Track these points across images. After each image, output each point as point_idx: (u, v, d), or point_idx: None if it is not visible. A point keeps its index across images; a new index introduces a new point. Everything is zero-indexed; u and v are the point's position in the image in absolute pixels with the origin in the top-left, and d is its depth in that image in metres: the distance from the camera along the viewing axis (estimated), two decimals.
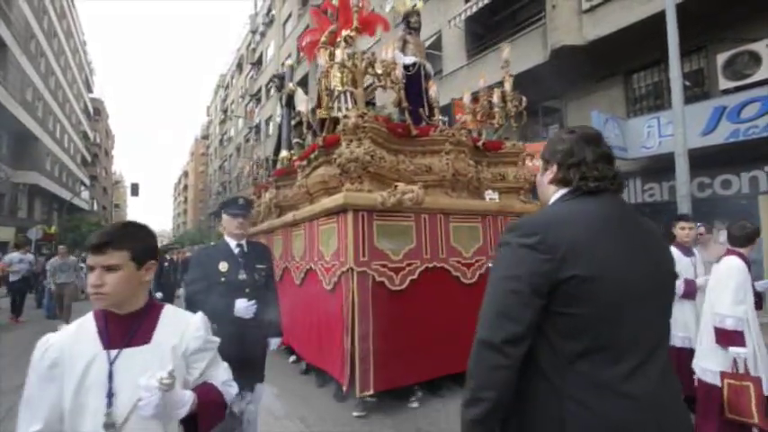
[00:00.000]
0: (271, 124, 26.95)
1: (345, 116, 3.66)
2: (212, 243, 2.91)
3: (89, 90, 41.47)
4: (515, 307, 0.92)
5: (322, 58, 3.92)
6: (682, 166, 5.56)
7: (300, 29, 25.18)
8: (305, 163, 4.67)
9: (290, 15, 28.23)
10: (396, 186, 3.21)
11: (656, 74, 8.76)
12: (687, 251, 3.63)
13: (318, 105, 4.84)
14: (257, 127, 31.81)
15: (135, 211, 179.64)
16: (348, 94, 4.71)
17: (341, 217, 3.55)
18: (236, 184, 34.49)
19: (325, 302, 3.75)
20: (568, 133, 1.12)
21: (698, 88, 8.31)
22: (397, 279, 3.55)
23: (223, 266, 2.47)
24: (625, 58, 8.58)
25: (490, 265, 3.92)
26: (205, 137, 52.53)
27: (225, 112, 42.17)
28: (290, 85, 5.38)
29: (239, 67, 38.47)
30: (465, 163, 4.02)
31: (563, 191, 1.08)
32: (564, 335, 0.93)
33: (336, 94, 4.27)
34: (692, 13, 6.78)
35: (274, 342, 2.71)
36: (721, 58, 7.68)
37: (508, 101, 4.34)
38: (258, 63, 33.79)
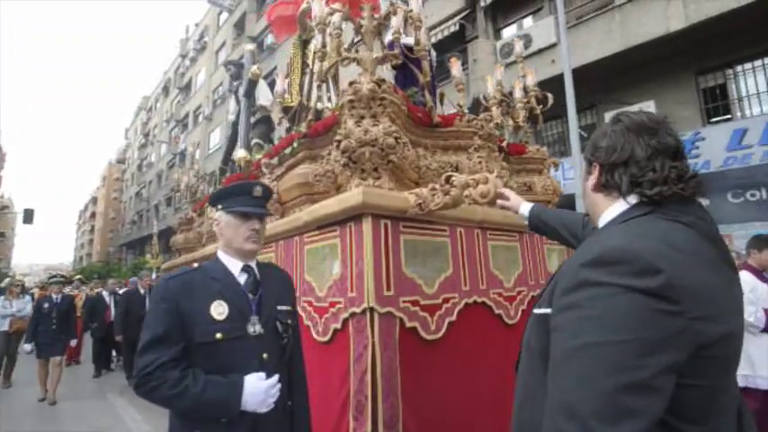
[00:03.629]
0: (198, 151, 24.23)
1: (353, 83, 2.40)
2: (195, 266, 1.50)
3: None
4: (634, 392, 0.59)
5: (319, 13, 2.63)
6: (580, 206, 5.78)
7: (234, 58, 23.57)
8: (274, 161, 3.25)
9: (223, 44, 26.59)
10: (449, 178, 1.98)
11: (560, 125, 10.10)
12: (762, 276, 2.86)
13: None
14: (182, 154, 28.56)
15: (25, 241, 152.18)
16: (331, 80, 3.46)
17: (349, 228, 2.20)
18: (155, 211, 30.35)
19: (315, 365, 2.29)
20: (614, 123, 0.86)
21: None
22: (432, 323, 2.26)
23: (219, 309, 1.33)
24: None
25: (534, 295, 2.81)
26: (121, 161, 46.44)
27: (146, 135, 37.76)
28: (254, 68, 3.99)
29: (165, 90, 35.06)
30: (499, 164, 2.95)
31: (632, 199, 0.81)
32: (687, 417, 0.64)
33: (319, 79, 3.00)
34: (585, 78, 8.31)
35: None
36: (608, 115, 8.89)
37: (531, 97, 3.43)
38: (187, 88, 31.00)
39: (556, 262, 3.18)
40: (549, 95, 3.47)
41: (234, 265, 1.42)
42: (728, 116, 9.15)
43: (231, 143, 4.74)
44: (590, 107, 9.92)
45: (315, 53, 3.35)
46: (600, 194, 0.88)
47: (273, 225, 2.91)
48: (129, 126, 45.58)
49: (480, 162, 2.81)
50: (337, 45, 2.70)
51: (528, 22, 11.37)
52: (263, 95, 4.41)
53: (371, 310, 2.03)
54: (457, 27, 11.33)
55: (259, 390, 1.26)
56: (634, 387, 0.61)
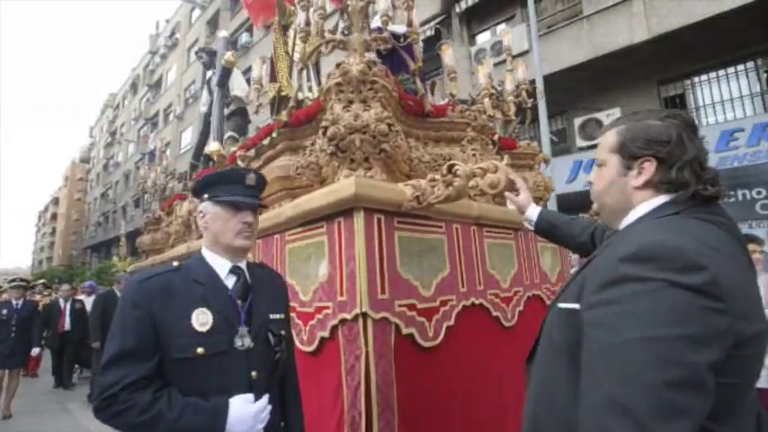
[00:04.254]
0: (168, 151, 23.04)
1: (340, 64, 2.12)
2: (175, 264, 1.20)
3: None
4: (685, 389, 0.59)
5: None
6: (552, 208, 6.11)
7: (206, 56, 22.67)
8: (251, 154, 2.91)
9: (196, 41, 25.52)
10: (452, 167, 1.73)
11: (531, 129, 10.10)
12: None
13: (273, 79, 3.17)
14: (152, 153, 27.09)
15: None
16: (311, 67, 3.16)
17: (337, 224, 1.92)
18: (122, 213, 28.72)
19: (300, 378, 1.98)
20: (667, 118, 0.83)
21: (563, 143, 10.17)
22: (430, 328, 2.00)
23: (201, 319, 1.10)
24: None
25: (533, 294, 2.61)
26: (85, 160, 43.71)
27: (113, 134, 35.73)
28: (228, 54, 3.61)
29: (134, 87, 33.31)
30: (493, 158, 2.73)
31: (662, 199, 0.81)
32: (713, 415, 0.62)
33: (301, 62, 2.70)
34: (556, 85, 8.24)
35: None
36: (577, 121, 9.53)
37: (521, 90, 3.25)
38: (156, 86, 29.55)
39: (549, 260, 3.02)
40: (540, 90, 3.31)
41: (221, 266, 1.18)
42: None
43: (203, 137, 4.32)
44: (560, 113, 10.09)
45: (296, 34, 3.04)
46: (641, 191, 0.84)
47: None
48: (94, 124, 43.02)
49: (474, 155, 2.59)
50: (321, 27, 2.41)
51: (502, 28, 11.44)
52: (238, 86, 4.04)
53: (365, 315, 1.76)
54: (433, 32, 11.24)
55: (247, 415, 1.04)
56: (684, 384, 0.60)
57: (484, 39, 11.53)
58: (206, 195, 1.20)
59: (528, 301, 2.68)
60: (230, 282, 1.18)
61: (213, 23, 23.74)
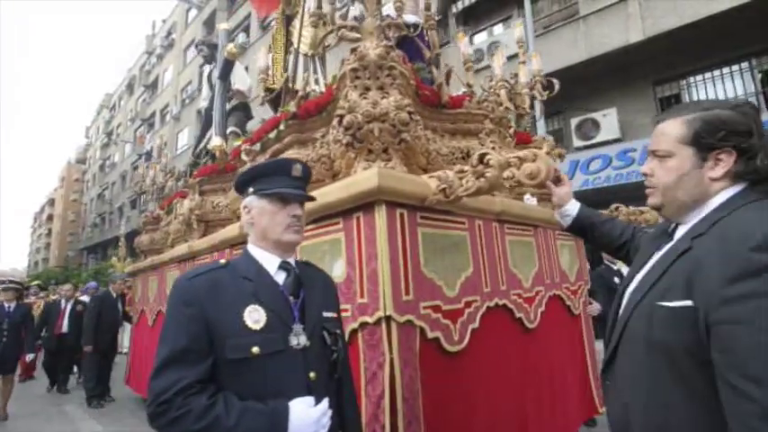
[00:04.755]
0: (165, 150, 22.62)
1: (355, 50, 1.93)
2: (222, 262, 1.08)
3: None
4: None
5: None
6: None
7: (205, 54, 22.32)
8: (256, 148, 2.71)
9: (192, 41, 25.04)
10: (484, 156, 1.55)
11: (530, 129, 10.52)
12: None
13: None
14: (148, 154, 26.63)
15: None
16: (317, 59, 2.98)
17: (356, 220, 1.74)
18: (119, 214, 28.23)
19: None
20: (738, 107, 0.82)
21: (560, 143, 11.25)
22: (455, 331, 1.83)
23: (254, 316, 1.00)
24: None
25: (554, 294, 2.44)
26: (81, 161, 42.96)
27: (109, 135, 35.12)
28: (230, 46, 3.39)
29: (130, 88, 32.75)
30: (511, 151, 2.56)
31: (737, 187, 0.81)
32: None
33: (312, 48, 2.52)
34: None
35: None
36: (573, 122, 9.37)
37: (536, 82, 3.09)
38: (153, 86, 29.06)
39: (568, 259, 2.86)
40: (556, 81, 3.15)
41: (269, 262, 1.09)
42: None
43: (204, 132, 4.09)
44: (557, 113, 10.03)
45: (302, 24, 2.85)
46: (718, 183, 0.83)
47: None
48: (90, 124, 42.31)
49: (494, 148, 2.41)
50: (332, 12, 2.23)
51: (498, 29, 11.31)
52: (240, 80, 3.83)
53: (388, 319, 1.57)
54: None
55: (309, 419, 0.95)
56: None
57: (481, 39, 11.39)
58: (250, 189, 1.10)
59: (548, 302, 2.52)
60: (280, 278, 1.08)
61: (210, 23, 23.36)
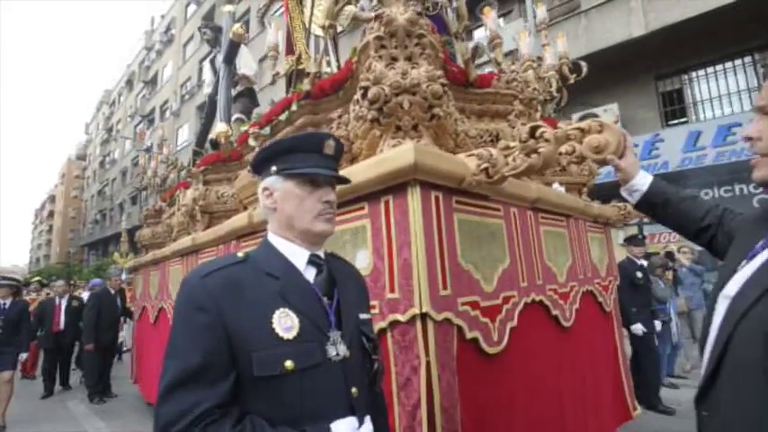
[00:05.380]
0: (164, 145, 22.24)
1: (379, 16, 1.68)
2: (240, 255, 0.84)
3: None
4: None
5: None
6: None
7: (203, 52, 21.91)
8: (266, 132, 2.46)
9: (191, 37, 24.69)
10: (536, 129, 1.31)
11: None
12: None
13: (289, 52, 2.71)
14: (148, 150, 26.21)
15: None
16: (329, 40, 2.73)
17: (385, 204, 1.50)
18: (120, 210, 27.85)
19: None
20: None
21: None
22: (494, 330, 1.60)
23: (285, 322, 0.77)
24: None
25: (586, 290, 2.21)
26: (81, 157, 42.37)
27: (109, 131, 34.64)
28: (236, 26, 3.13)
29: (129, 84, 32.24)
30: None
31: None
32: None
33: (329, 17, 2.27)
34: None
35: None
36: (575, 116, 8.92)
37: (562, 64, 2.85)
38: (152, 82, 28.59)
39: (598, 252, 2.64)
40: (584, 64, 2.91)
41: (297, 256, 0.88)
42: (685, 119, 9.32)
43: (208, 120, 3.82)
44: (558, 108, 10.47)
45: (314, 3, 2.60)
46: None
47: None
48: (89, 121, 41.73)
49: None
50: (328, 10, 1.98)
51: (499, 23, 11.06)
52: (246, 64, 3.56)
53: (424, 316, 1.34)
54: None
55: None
56: None
57: (480, 35, 11.14)
58: (273, 168, 0.88)
59: (582, 298, 2.30)
60: (310, 275, 0.88)
61: (209, 19, 22.91)
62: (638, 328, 3.38)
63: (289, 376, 0.75)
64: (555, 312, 2.01)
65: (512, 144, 1.42)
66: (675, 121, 9.17)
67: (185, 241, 3.11)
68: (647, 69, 9.07)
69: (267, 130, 2.49)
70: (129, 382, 5.13)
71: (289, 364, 0.74)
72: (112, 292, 5.46)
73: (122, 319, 6.24)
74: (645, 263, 3.71)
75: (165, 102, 26.29)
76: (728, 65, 8.60)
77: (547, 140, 1.29)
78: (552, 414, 1.88)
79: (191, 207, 3.09)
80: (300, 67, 2.64)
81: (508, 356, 1.66)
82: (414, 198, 1.41)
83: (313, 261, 0.88)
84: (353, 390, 0.82)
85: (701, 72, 9.04)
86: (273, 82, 2.56)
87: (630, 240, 3.68)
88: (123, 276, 8.89)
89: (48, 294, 8.10)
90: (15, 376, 4.74)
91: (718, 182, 8.16)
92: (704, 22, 7.53)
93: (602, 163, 1.21)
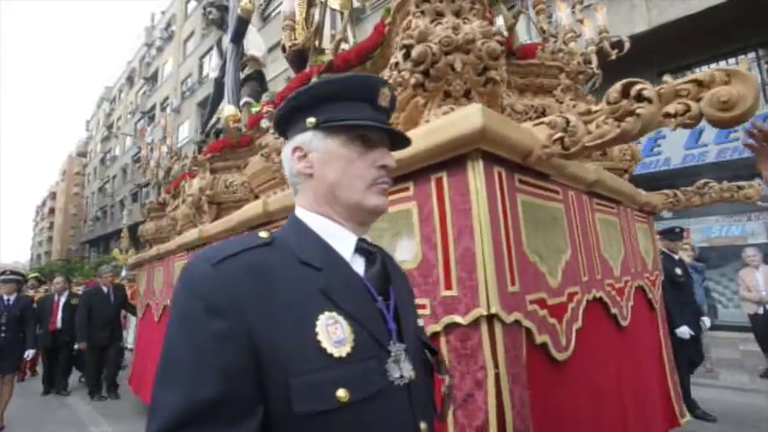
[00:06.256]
0: (167, 135, 21.92)
1: None
2: (263, 235, 0.55)
3: None
4: None
5: None
6: None
7: (204, 49, 21.53)
8: None
9: (192, 33, 24.32)
10: (631, 86, 1.04)
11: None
12: None
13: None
14: (151, 152, 25.76)
15: None
16: (348, 16, 2.47)
17: (436, 182, 1.24)
18: (120, 207, 27.54)
19: None
20: None
21: None
22: (562, 333, 1.33)
23: (335, 333, 0.51)
24: None
25: (638, 285, 1.93)
26: (82, 154, 41.95)
27: (109, 128, 34.23)
28: (245, 1, 2.83)
29: (130, 80, 31.85)
30: None
31: None
32: None
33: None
34: None
35: None
36: None
37: (603, 39, 2.59)
38: (153, 79, 28.22)
39: (644, 243, 2.37)
40: (626, 40, 2.65)
41: (340, 240, 0.64)
42: None
43: (214, 106, 3.53)
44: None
45: None
46: None
47: (286, 194, 1.87)
48: (90, 117, 41.25)
49: (576, 107, 1.91)
50: None
51: (500, 19, 10.81)
52: (254, 45, 3.28)
53: (491, 318, 1.08)
54: None
55: None
56: None
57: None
58: (311, 120, 0.64)
59: (637, 295, 2.04)
60: (358, 266, 0.63)
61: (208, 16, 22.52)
62: (685, 331, 3.07)
63: (341, 411, 0.51)
64: (614, 311, 1.75)
65: (594, 108, 1.15)
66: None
67: (191, 234, 2.84)
68: (650, 65, 8.85)
69: None
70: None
71: (342, 393, 0.50)
72: (105, 289, 5.21)
73: (125, 316, 6.02)
74: (685, 257, 3.44)
75: (166, 98, 25.93)
76: (732, 61, 8.37)
77: (647, 99, 1.02)
78: (616, 426, 1.62)
79: (197, 197, 2.82)
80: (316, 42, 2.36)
81: (574, 363, 1.40)
82: (476, 174, 1.14)
83: (362, 248, 0.64)
84: (423, 426, 0.59)
85: (705, 68, 8.85)
86: (288, 54, 2.28)
87: (666, 233, 3.39)
88: (124, 273, 8.61)
89: (46, 291, 7.83)
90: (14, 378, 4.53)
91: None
92: (707, 18, 7.35)
93: (735, 122, 0.95)
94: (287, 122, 0.67)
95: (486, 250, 1.11)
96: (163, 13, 27.79)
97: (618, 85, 1.09)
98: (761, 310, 4.14)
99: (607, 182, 1.83)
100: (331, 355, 0.51)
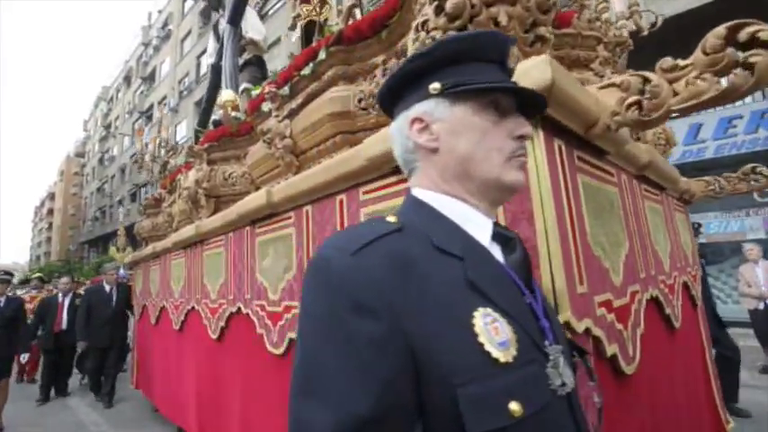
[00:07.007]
0: (162, 128, 21.58)
1: None
2: (390, 220, 0.48)
3: None
4: None
5: None
6: None
7: (201, 48, 21.18)
8: (284, 91, 1.94)
9: (189, 32, 23.99)
10: (740, 29, 0.80)
11: None
12: None
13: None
14: (147, 146, 25.39)
15: None
16: None
17: None
18: (119, 207, 27.23)
19: None
20: None
21: None
22: (628, 341, 1.10)
23: (497, 334, 0.42)
24: None
25: (683, 281, 1.72)
26: (80, 154, 41.50)
27: (107, 128, 33.81)
28: None
29: (127, 80, 31.46)
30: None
31: None
32: None
33: None
34: None
35: None
36: None
37: (633, 13, 2.35)
38: (150, 78, 27.85)
39: (684, 233, 2.15)
40: (659, 16, 2.41)
41: (475, 224, 0.53)
42: None
43: (211, 93, 3.27)
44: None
45: None
46: None
47: (291, 183, 1.63)
48: (87, 118, 40.79)
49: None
50: None
51: None
52: (253, 27, 3.03)
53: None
54: None
55: None
56: None
57: None
58: (434, 86, 0.53)
59: (684, 292, 1.81)
60: (496, 254, 0.52)
61: (206, 14, 22.13)
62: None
63: (513, 429, 0.41)
64: (668, 311, 1.53)
65: (680, 62, 0.92)
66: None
67: (188, 230, 2.59)
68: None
69: (286, 89, 1.97)
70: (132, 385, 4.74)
71: (515, 407, 0.41)
72: (107, 288, 4.97)
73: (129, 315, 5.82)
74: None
75: (163, 98, 25.58)
76: None
77: (764, 44, 0.79)
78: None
79: (193, 191, 2.58)
80: (323, 17, 2.12)
81: (639, 377, 1.17)
82: (536, 146, 0.90)
83: (498, 233, 0.54)
84: None
85: None
86: (293, 27, 2.04)
87: None
88: (122, 272, 8.34)
89: (50, 291, 7.56)
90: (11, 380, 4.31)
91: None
92: (707, 12, 7.20)
93: None
94: (399, 92, 0.57)
95: (552, 242, 0.87)
96: (160, 12, 27.40)
97: (720, 29, 0.85)
98: (761, 306, 4.08)
99: (659, 165, 1.59)
100: (496, 360, 0.42)
